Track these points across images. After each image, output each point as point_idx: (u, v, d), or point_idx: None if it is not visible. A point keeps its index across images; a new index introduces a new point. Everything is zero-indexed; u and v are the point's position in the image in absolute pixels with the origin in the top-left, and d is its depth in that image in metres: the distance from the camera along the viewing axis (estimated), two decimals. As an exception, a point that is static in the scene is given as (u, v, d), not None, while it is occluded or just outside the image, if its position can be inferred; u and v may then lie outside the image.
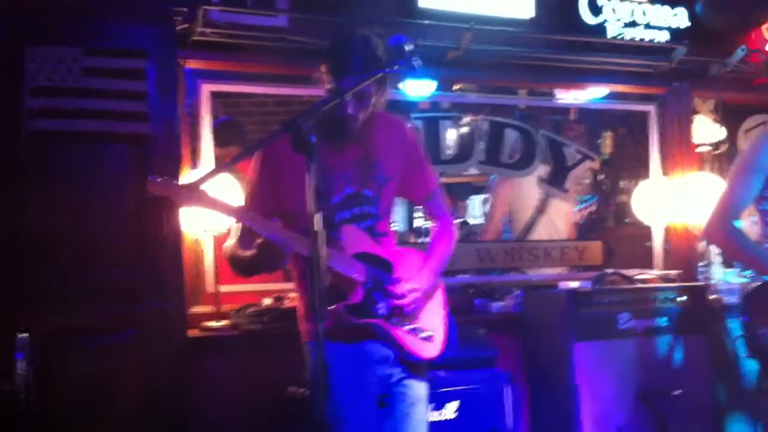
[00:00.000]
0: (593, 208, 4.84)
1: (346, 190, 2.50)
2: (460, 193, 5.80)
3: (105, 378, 2.96)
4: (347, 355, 2.45)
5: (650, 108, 4.62)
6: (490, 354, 3.41)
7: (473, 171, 4.87)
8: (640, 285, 3.90)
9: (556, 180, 4.42)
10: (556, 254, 4.31)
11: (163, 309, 3.09)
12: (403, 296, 2.47)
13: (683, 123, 4.57)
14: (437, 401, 3.12)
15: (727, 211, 2.98)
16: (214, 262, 3.48)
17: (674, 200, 4.36)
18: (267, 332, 3.32)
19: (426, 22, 3.83)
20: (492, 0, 4.06)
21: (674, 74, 4.46)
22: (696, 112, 4.78)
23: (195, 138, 3.63)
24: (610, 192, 5.71)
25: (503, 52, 4.04)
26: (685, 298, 3.77)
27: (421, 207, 2.94)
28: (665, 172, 4.54)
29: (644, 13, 4.36)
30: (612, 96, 4.69)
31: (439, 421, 3.12)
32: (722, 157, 4.95)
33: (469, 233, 4.91)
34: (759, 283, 2.99)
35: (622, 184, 5.63)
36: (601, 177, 5.62)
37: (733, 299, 3.97)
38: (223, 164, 2.46)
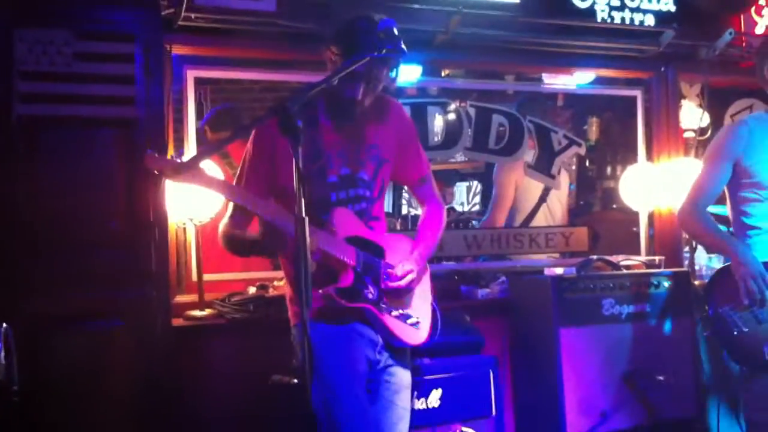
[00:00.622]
0: (571, 197, 4.84)
1: (341, 171, 2.51)
2: (447, 179, 5.80)
3: (90, 366, 2.95)
4: (338, 334, 2.47)
5: (637, 93, 4.62)
6: (476, 340, 3.43)
7: (460, 158, 4.87)
8: (624, 271, 3.92)
9: (542, 166, 4.43)
10: (542, 240, 4.33)
11: (148, 297, 3.08)
12: (399, 278, 2.48)
13: (670, 107, 4.57)
14: (422, 389, 3.13)
15: (698, 197, 3.11)
16: (197, 251, 3.47)
17: (661, 185, 4.37)
18: (252, 321, 3.33)
19: (415, 6, 3.81)
20: (481, -17, 4.04)
21: (661, 58, 4.46)
22: (683, 97, 4.78)
23: (180, 123, 3.62)
24: (597, 177, 5.73)
25: (491, 36, 4.02)
26: (669, 283, 3.80)
27: (411, 191, 2.94)
28: (652, 157, 4.55)
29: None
30: (599, 81, 4.69)
31: (425, 409, 3.14)
32: (708, 143, 4.95)
33: (459, 220, 4.91)
34: (724, 266, 3.12)
35: (608, 169, 5.64)
36: (587, 163, 5.63)
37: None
38: (214, 145, 2.48)
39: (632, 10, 4.33)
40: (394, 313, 2.52)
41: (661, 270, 4.00)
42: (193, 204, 3.34)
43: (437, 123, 4.21)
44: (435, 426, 3.19)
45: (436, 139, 4.18)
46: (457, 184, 5.92)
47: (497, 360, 3.44)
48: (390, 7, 3.74)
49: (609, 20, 4.25)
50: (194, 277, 3.48)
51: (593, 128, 5.55)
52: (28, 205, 2.96)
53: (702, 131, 4.74)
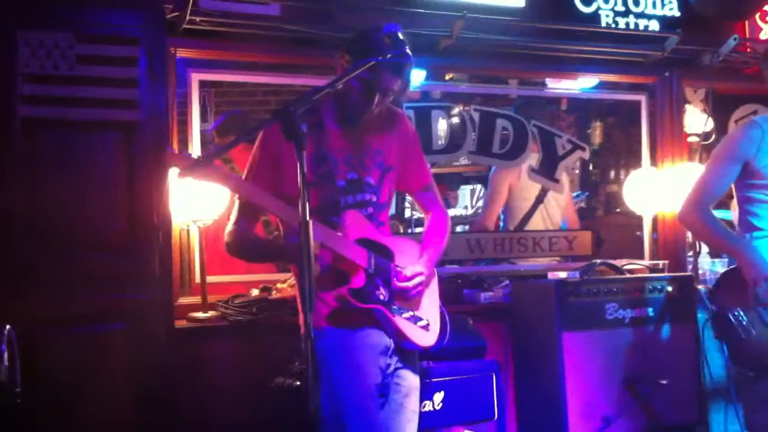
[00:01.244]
0: (582, 203, 4.82)
1: (349, 176, 2.52)
2: (450, 183, 5.81)
3: (92, 368, 2.95)
4: (349, 341, 2.47)
5: (641, 97, 4.62)
6: (480, 344, 3.42)
7: (464, 161, 4.87)
8: (628, 275, 3.91)
9: (546, 170, 4.43)
10: (546, 244, 4.32)
11: (151, 299, 3.08)
12: (408, 279, 2.49)
13: (674, 112, 4.57)
14: (425, 391, 3.13)
15: (702, 196, 3.08)
16: (201, 253, 3.47)
17: (665, 190, 4.37)
18: (255, 323, 3.33)
19: (420, 10, 3.82)
20: (485, -12, 4.05)
21: (666, 63, 4.46)
22: (687, 102, 4.78)
23: (185, 126, 3.63)
24: (600, 181, 5.72)
25: (495, 40, 4.03)
26: (672, 288, 3.79)
27: (414, 199, 2.96)
28: (656, 162, 4.55)
29: (636, 2, 4.35)
30: (603, 85, 4.69)
31: (427, 412, 3.14)
32: (712, 148, 4.95)
33: (457, 222, 4.91)
34: (731, 267, 3.08)
35: (611, 173, 5.64)
36: (590, 167, 5.63)
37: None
38: (224, 146, 2.52)
39: (637, 15, 4.33)
40: (405, 315, 2.52)
41: (665, 274, 3.99)
42: (197, 206, 3.35)
43: (441, 127, 4.22)
44: (437, 429, 3.19)
45: (440, 142, 4.19)
46: (461, 187, 5.92)
47: (500, 364, 3.44)
48: (394, 11, 3.76)
49: (613, 25, 4.26)
50: (198, 279, 3.48)
51: (597, 132, 5.55)
52: (30, 208, 2.97)
53: (706, 136, 4.74)
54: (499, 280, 4.04)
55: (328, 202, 2.46)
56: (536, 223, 4.64)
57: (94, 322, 3.00)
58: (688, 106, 4.76)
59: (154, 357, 3.02)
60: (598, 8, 4.25)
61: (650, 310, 3.72)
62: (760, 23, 4.74)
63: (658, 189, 4.39)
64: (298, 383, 2.87)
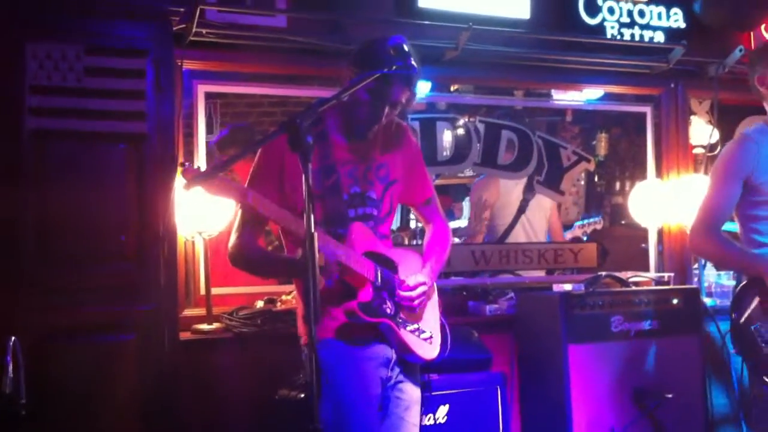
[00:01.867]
0: (598, 225, 4.76)
1: (352, 190, 2.52)
2: (455, 194, 5.81)
3: (97, 379, 2.96)
4: (355, 356, 2.46)
5: (647, 109, 4.61)
6: (485, 357, 3.42)
7: (469, 172, 4.88)
8: (633, 287, 3.90)
9: (551, 181, 4.43)
10: (551, 256, 4.32)
11: (156, 310, 3.09)
12: (412, 289, 2.49)
13: (680, 124, 4.57)
14: (430, 404, 3.13)
15: (712, 219, 2.93)
16: (206, 265, 3.48)
17: (670, 202, 4.36)
18: (259, 335, 3.33)
19: (426, 22, 3.83)
20: (490, 0, 4.05)
21: (671, 75, 4.46)
22: (693, 113, 4.78)
23: (190, 137, 3.64)
24: (605, 193, 5.72)
25: (501, 52, 4.04)
26: (678, 300, 3.78)
27: (416, 212, 2.95)
28: (661, 174, 4.54)
29: (641, 13, 4.36)
30: (608, 97, 4.69)
31: (432, 425, 3.13)
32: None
33: (461, 234, 4.92)
34: (749, 280, 2.93)
35: (617, 185, 5.64)
36: (595, 178, 5.63)
37: (726, 301, 3.98)
38: (230, 158, 2.51)
39: (642, 26, 4.34)
40: (410, 327, 2.52)
41: (671, 287, 3.98)
42: (202, 217, 3.35)
43: (446, 138, 4.23)
44: (442, 442, 3.18)
45: (445, 153, 4.19)
46: (466, 199, 5.92)
47: (505, 376, 3.43)
48: (400, 23, 3.77)
49: (619, 37, 4.26)
50: (202, 290, 3.48)
51: (602, 144, 5.55)
52: (37, 219, 2.98)
53: (711, 148, 4.73)
54: (504, 292, 4.03)
55: (334, 215, 2.45)
56: (517, 234, 4.63)
57: (101, 333, 3.02)
58: (693, 118, 4.76)
59: (160, 368, 3.03)
60: (604, 20, 4.26)
61: (656, 322, 3.70)
62: (765, 34, 4.73)
63: (663, 201, 4.38)
64: (303, 395, 2.86)
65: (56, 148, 3.05)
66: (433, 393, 3.13)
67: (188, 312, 3.50)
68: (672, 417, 3.58)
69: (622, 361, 3.60)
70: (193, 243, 3.56)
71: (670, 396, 3.58)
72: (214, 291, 3.48)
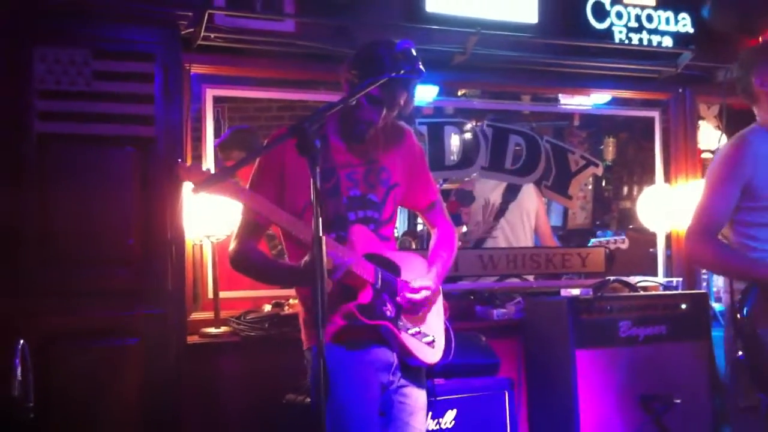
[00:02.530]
0: (623, 245, 4.64)
1: (352, 193, 2.51)
2: (463, 199, 5.78)
3: (104, 383, 2.96)
4: (353, 360, 2.45)
5: (655, 113, 4.61)
6: (492, 362, 3.41)
7: (476, 177, 4.86)
8: (641, 292, 3.89)
9: (559, 186, 4.42)
10: (558, 261, 4.31)
11: (164, 314, 3.09)
12: (416, 292, 2.48)
13: (688, 129, 4.57)
14: (437, 409, 3.12)
15: (709, 224, 2.80)
16: (213, 269, 3.48)
17: (678, 207, 4.35)
18: (266, 339, 3.33)
19: (433, 26, 3.83)
20: (498, 4, 4.04)
21: (679, 80, 4.45)
22: (701, 118, 4.77)
23: (199, 141, 3.64)
24: (613, 198, 5.70)
25: (508, 56, 4.04)
26: (687, 305, 3.76)
27: (421, 216, 2.94)
28: (670, 179, 4.53)
29: (650, 18, 4.35)
30: (616, 101, 4.68)
31: (439, 430, 3.12)
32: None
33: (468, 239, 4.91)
34: (752, 284, 2.79)
35: (624, 189, 5.62)
36: (603, 183, 5.61)
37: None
38: (238, 162, 2.51)
39: (650, 31, 4.33)
40: (411, 330, 2.51)
41: (679, 292, 3.96)
42: (210, 221, 3.36)
43: (454, 142, 4.22)
44: (449, 447, 3.17)
45: (452, 158, 4.19)
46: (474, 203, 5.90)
47: (512, 381, 3.42)
48: (408, 27, 3.77)
49: (627, 41, 4.26)
50: (210, 294, 3.49)
51: (609, 148, 5.53)
52: (45, 222, 2.98)
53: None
54: (511, 296, 4.02)
55: (335, 217, 2.45)
56: (497, 239, 4.62)
57: (108, 337, 3.00)
58: (701, 123, 4.75)
59: (167, 372, 3.03)
60: (612, 24, 4.25)
61: (664, 327, 3.70)
62: (775, 39, 4.72)
63: (671, 205, 4.37)
64: (309, 400, 2.86)
65: (63, 151, 3.04)
66: (440, 398, 3.12)
67: (196, 316, 3.51)
68: (680, 422, 3.57)
69: (630, 366, 3.59)
70: (201, 247, 3.56)
71: (678, 401, 3.56)
72: (223, 294, 3.48)
